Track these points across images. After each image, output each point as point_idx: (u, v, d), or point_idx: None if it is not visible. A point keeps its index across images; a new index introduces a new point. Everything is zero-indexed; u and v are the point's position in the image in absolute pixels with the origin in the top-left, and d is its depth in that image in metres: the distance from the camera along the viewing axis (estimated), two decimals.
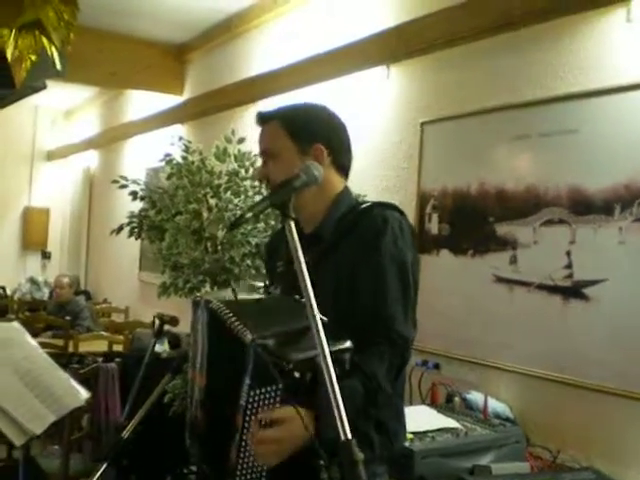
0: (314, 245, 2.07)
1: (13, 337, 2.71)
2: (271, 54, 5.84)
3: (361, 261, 1.98)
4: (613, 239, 3.19)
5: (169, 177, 4.75)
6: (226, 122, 6.30)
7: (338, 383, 1.69)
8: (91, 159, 10.52)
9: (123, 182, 4.81)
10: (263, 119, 2.18)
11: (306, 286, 1.63)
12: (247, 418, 1.73)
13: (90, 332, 6.87)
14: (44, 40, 3.46)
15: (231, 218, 4.44)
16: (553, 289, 3.42)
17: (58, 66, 3.66)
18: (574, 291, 3.33)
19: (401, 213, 2.10)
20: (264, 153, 2.15)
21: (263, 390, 1.72)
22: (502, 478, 2.78)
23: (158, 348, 6.28)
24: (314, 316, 1.59)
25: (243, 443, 1.76)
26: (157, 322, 3.09)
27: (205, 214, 4.63)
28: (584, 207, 3.32)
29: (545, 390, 3.43)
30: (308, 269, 2.03)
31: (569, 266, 3.37)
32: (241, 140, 4.67)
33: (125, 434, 2.37)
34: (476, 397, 3.48)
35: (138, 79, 7.55)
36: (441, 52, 4.11)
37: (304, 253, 2.00)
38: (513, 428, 3.22)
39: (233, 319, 1.79)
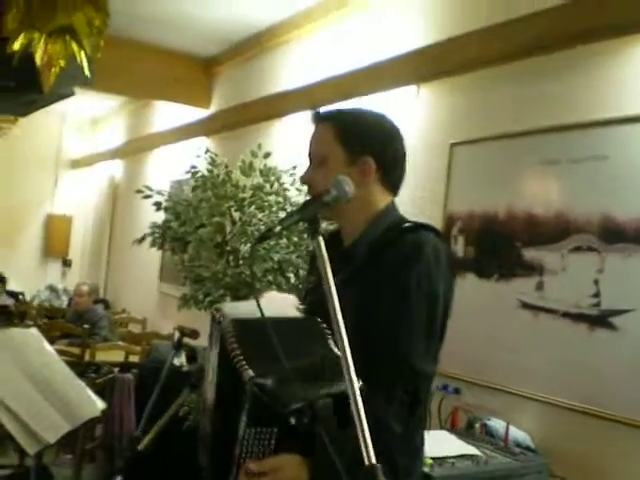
0: (346, 263, 1.96)
1: (30, 343, 2.67)
2: (300, 70, 5.83)
3: (388, 289, 1.84)
4: None
5: (194, 189, 4.74)
6: (251, 136, 6.29)
7: (341, 429, 1.63)
8: (116, 168, 10.54)
9: (147, 192, 4.78)
10: (317, 119, 2.06)
11: (336, 316, 1.53)
12: (243, 454, 1.67)
13: (107, 342, 6.85)
14: (74, 46, 3.43)
15: (255, 233, 4.41)
16: (579, 317, 3.36)
17: (87, 73, 3.64)
18: (601, 320, 3.27)
19: (437, 234, 1.96)
20: (312, 156, 2.04)
21: (258, 430, 1.65)
22: None
23: (175, 361, 6.29)
24: (344, 351, 1.48)
25: (238, 478, 1.70)
26: (177, 334, 3.03)
27: (228, 227, 4.61)
28: (614, 235, 3.26)
29: (568, 420, 3.36)
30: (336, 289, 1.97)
31: (597, 294, 3.30)
32: (267, 155, 4.66)
33: (142, 447, 2.33)
34: (497, 424, 3.41)
35: (166, 91, 7.56)
36: (472, 74, 4.07)
37: (339, 270, 1.86)
38: (535, 457, 3.16)
39: (235, 347, 1.70)
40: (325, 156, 1.98)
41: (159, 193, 4.88)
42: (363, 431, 1.41)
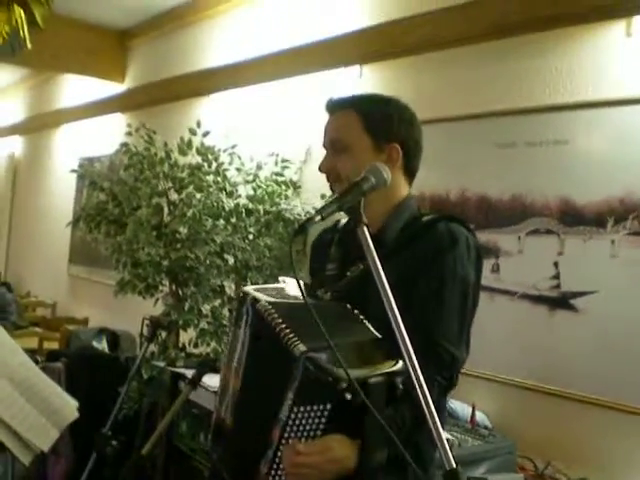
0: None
1: (2, 341, 2.48)
2: (230, 47, 5.66)
3: (422, 276, 1.85)
4: (605, 252, 3.18)
5: (127, 168, 4.56)
6: (175, 114, 6.12)
7: (387, 409, 1.65)
8: (16, 145, 10.07)
9: (80, 171, 4.58)
10: (337, 106, 2.02)
11: (389, 302, 1.52)
12: (286, 435, 1.61)
13: (19, 328, 6.57)
14: (20, 15, 3.23)
15: (196, 214, 4.28)
16: (539, 299, 3.40)
17: (29, 44, 3.43)
18: (561, 302, 3.32)
19: (468, 229, 1.98)
20: (334, 144, 1.99)
21: (308, 408, 1.60)
22: None
23: (97, 345, 6.09)
24: (402, 337, 1.48)
25: (277, 460, 1.64)
26: (148, 325, 2.89)
27: (166, 209, 4.46)
28: (574, 218, 3.30)
29: (527, 400, 3.41)
30: (360, 276, 1.91)
31: (556, 277, 3.35)
32: (206, 133, 4.52)
33: (145, 451, 2.21)
34: (457, 406, 3.42)
35: (77, 63, 7.23)
36: (422, 56, 4.04)
37: (354, 258, 1.92)
38: (503, 439, 3.18)
39: (283, 326, 1.66)
40: (349, 143, 1.95)
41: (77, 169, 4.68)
42: (434, 421, 1.38)
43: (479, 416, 3.40)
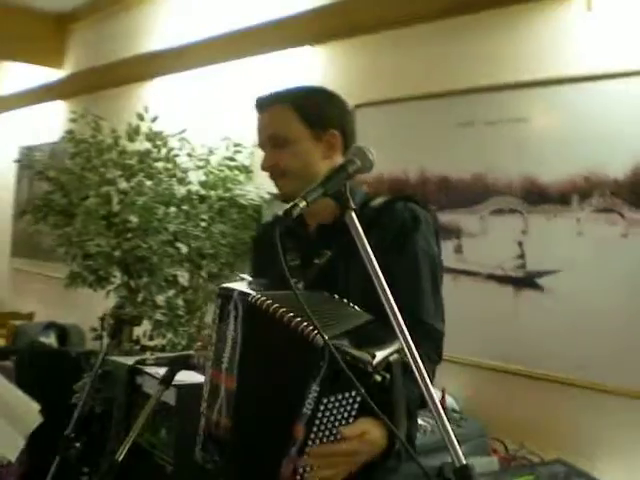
0: (329, 237, 1.94)
1: None
2: (175, 29, 5.49)
3: (393, 257, 1.81)
4: (570, 230, 3.16)
5: (73, 157, 4.40)
6: (119, 99, 5.94)
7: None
8: None
9: (25, 160, 4.40)
10: (268, 102, 2.01)
11: (381, 284, 1.49)
12: (315, 429, 1.53)
13: None
14: None
15: (147, 203, 4.15)
16: (503, 279, 3.37)
17: None
18: (527, 281, 3.29)
19: (424, 206, 1.99)
20: (272, 140, 1.97)
21: (339, 397, 1.53)
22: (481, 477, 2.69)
23: (44, 340, 5.91)
24: (395, 316, 1.44)
25: (305, 456, 1.55)
26: (109, 320, 2.75)
27: (116, 198, 4.31)
28: (537, 197, 3.27)
29: (496, 382, 3.38)
30: (328, 264, 1.92)
31: (521, 256, 3.32)
32: (155, 118, 4.38)
33: (119, 457, 2.09)
34: None
35: (11, 50, 6.97)
36: (379, 34, 3.95)
37: (313, 247, 1.96)
38: (474, 422, 3.14)
39: (291, 315, 1.58)
40: (288, 137, 1.94)
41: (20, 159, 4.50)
42: (435, 403, 1.33)
43: (448, 400, 3.35)
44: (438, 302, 1.91)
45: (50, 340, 5.77)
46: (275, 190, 4.38)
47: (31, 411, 2.31)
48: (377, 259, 1.68)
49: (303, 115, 1.94)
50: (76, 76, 6.77)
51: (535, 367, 3.22)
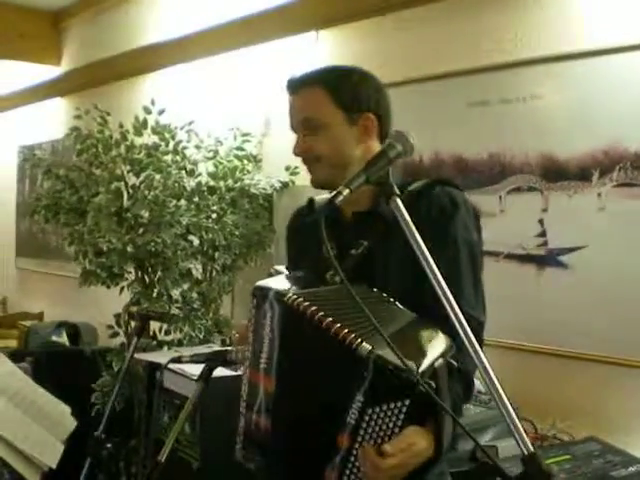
0: (365, 225, 1.91)
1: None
2: (173, 20, 5.43)
3: (434, 243, 1.64)
4: (591, 205, 3.12)
5: (79, 153, 4.35)
6: (120, 93, 5.89)
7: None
8: None
9: (34, 160, 4.36)
10: (301, 83, 1.95)
11: (438, 281, 1.46)
12: (359, 439, 1.50)
13: None
14: None
15: (159, 196, 4.11)
16: (525, 258, 3.33)
17: None
18: (550, 259, 3.25)
19: (460, 190, 1.95)
20: (305, 124, 1.91)
21: (384, 408, 1.49)
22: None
23: (55, 339, 5.88)
24: (458, 319, 1.43)
25: (350, 465, 1.53)
26: (137, 318, 2.70)
27: (125, 193, 4.27)
28: (556, 174, 3.23)
29: (522, 362, 3.35)
30: (365, 254, 1.87)
31: (543, 234, 3.28)
32: (162, 111, 4.33)
33: (161, 457, 2.07)
34: None
35: (8, 48, 6.90)
36: (388, 16, 3.90)
37: (349, 236, 1.90)
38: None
39: (331, 320, 1.53)
40: (322, 121, 1.89)
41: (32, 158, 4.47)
42: (507, 409, 1.30)
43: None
44: (479, 291, 1.86)
45: (62, 339, 5.75)
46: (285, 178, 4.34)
47: (65, 414, 2.27)
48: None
49: (337, 98, 1.89)
50: (74, 72, 6.71)
51: (561, 345, 3.19)
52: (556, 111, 3.24)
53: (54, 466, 2.14)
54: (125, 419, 4.08)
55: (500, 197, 3.43)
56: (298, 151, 1.93)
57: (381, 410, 1.49)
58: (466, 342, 1.39)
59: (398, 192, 1.53)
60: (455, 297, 1.64)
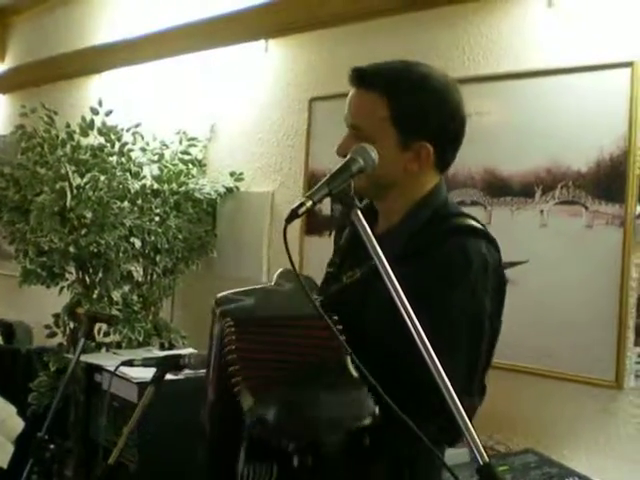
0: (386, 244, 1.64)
1: None
2: (125, 21, 5.38)
3: (425, 301, 1.44)
4: (534, 222, 3.21)
5: (24, 152, 4.31)
6: (63, 93, 5.82)
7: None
8: None
9: None
10: (366, 82, 1.76)
11: (406, 308, 1.35)
12: None
13: None
14: None
15: (104, 198, 4.08)
16: None
17: None
18: None
19: (489, 241, 1.73)
20: (355, 129, 1.76)
21: (257, 465, 1.47)
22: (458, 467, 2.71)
23: None
24: (424, 343, 1.32)
25: None
26: (85, 319, 2.68)
27: (69, 193, 4.22)
28: (500, 189, 3.31)
29: None
30: (361, 281, 1.73)
31: None
32: (109, 112, 4.31)
33: (111, 460, 2.06)
34: None
35: None
36: (339, 28, 3.95)
37: (359, 262, 1.74)
38: None
39: (234, 363, 1.52)
40: (372, 136, 1.69)
41: None
42: (464, 420, 1.29)
43: None
44: (473, 368, 1.67)
45: None
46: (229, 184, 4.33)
47: (12, 415, 2.24)
48: (412, 293, 1.40)
49: (397, 115, 1.71)
50: (18, 70, 6.60)
51: (502, 358, 3.24)
52: (501, 128, 3.32)
53: (5, 466, 2.11)
54: (59, 420, 4.03)
55: None
56: (340, 151, 1.75)
57: (255, 467, 1.47)
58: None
59: (360, 204, 1.49)
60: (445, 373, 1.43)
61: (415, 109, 1.72)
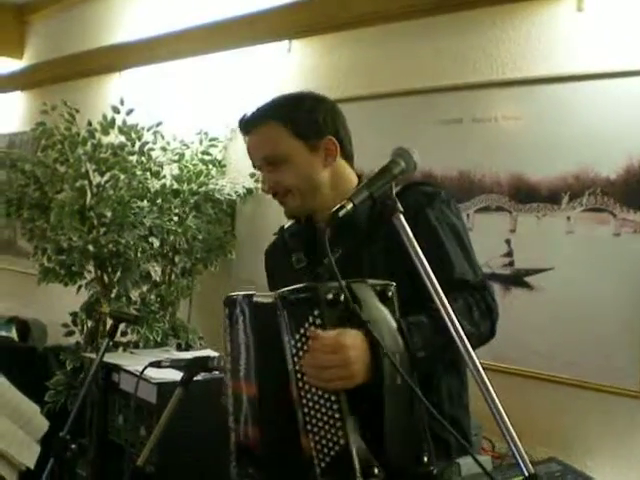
0: (342, 236, 1.83)
1: None
2: (147, 20, 5.36)
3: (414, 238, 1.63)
4: (560, 228, 3.18)
5: (44, 149, 4.30)
6: (85, 91, 5.78)
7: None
8: None
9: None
10: (254, 123, 1.96)
11: (430, 278, 1.52)
12: (299, 375, 1.55)
13: None
14: None
15: (125, 197, 4.07)
16: (491, 277, 3.36)
17: None
18: (515, 280, 3.30)
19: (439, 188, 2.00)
20: (267, 160, 1.94)
21: (306, 326, 1.55)
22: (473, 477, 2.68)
23: (4, 334, 5.75)
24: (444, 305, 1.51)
25: (307, 418, 1.54)
26: (110, 320, 2.66)
27: (89, 192, 4.21)
28: (526, 195, 3.28)
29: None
30: (344, 259, 1.81)
31: (509, 254, 3.33)
32: (130, 111, 4.29)
33: (140, 462, 2.04)
34: None
35: None
36: (364, 29, 3.92)
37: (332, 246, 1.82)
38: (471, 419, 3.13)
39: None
40: (283, 155, 1.91)
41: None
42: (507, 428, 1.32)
43: None
44: (469, 256, 1.87)
45: (12, 335, 5.64)
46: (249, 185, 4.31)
47: (37, 414, 2.23)
48: (399, 242, 1.60)
49: (294, 129, 1.91)
50: (37, 67, 6.59)
51: (524, 365, 3.24)
52: (530, 133, 3.29)
53: (32, 466, 2.10)
54: (74, 419, 4.02)
55: (468, 215, 3.46)
56: (267, 188, 1.95)
57: (304, 329, 1.55)
58: (459, 343, 1.48)
59: (401, 209, 1.55)
60: (448, 273, 1.77)
61: (304, 115, 1.93)
